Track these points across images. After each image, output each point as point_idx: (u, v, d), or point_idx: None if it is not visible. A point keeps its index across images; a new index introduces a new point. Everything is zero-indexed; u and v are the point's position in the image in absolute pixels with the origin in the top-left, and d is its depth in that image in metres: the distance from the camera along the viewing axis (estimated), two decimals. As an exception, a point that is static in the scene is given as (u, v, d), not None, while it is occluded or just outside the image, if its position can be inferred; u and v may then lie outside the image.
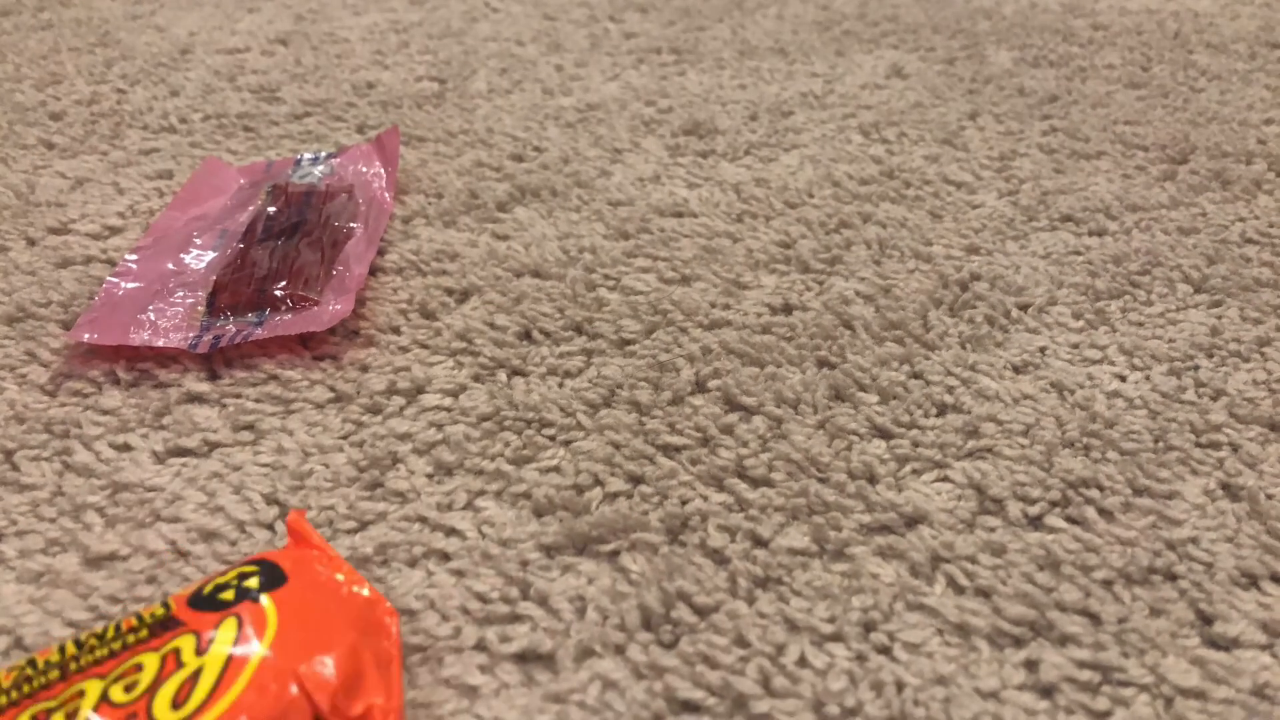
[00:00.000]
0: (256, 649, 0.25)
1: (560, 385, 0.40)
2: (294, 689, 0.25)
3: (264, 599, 0.27)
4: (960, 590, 0.31)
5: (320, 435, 0.38)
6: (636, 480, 0.35)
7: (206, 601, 0.27)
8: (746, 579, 0.31)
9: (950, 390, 0.40)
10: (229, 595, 0.27)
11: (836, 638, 0.30)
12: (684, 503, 0.34)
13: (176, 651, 0.25)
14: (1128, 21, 0.76)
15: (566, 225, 0.51)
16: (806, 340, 0.42)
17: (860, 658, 0.29)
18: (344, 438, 0.37)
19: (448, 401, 0.39)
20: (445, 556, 0.33)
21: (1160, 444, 0.37)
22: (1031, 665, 0.29)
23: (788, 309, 0.45)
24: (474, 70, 0.69)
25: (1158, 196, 0.53)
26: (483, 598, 0.31)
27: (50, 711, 0.24)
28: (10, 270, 0.47)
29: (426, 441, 0.37)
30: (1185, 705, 0.28)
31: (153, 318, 0.43)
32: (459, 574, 0.32)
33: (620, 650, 0.29)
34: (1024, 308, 0.44)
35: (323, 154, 0.56)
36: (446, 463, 0.36)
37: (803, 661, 0.29)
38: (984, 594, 0.31)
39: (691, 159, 0.58)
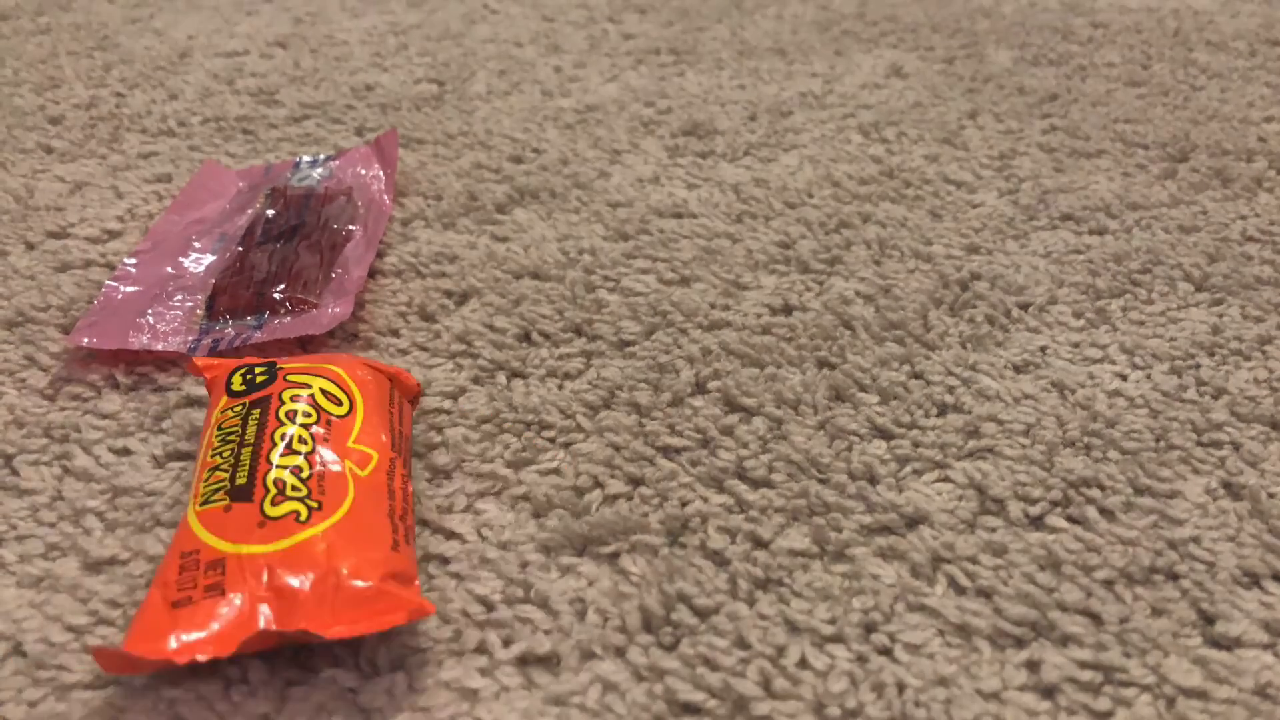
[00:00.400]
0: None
1: (560, 387, 0.40)
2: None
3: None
4: (961, 591, 0.31)
5: (320, 438, 0.37)
6: (636, 482, 0.35)
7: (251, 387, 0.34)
8: (747, 580, 0.31)
9: (951, 390, 0.39)
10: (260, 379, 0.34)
11: (837, 639, 0.30)
12: (684, 504, 0.34)
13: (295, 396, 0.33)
14: (1127, 20, 0.76)
15: (565, 227, 0.51)
16: (806, 341, 0.42)
17: (861, 659, 0.29)
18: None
19: (447, 404, 0.39)
20: (444, 560, 0.33)
21: (1161, 443, 0.37)
22: (1033, 666, 0.29)
23: (787, 310, 0.45)
24: (473, 72, 0.69)
25: (1158, 195, 0.53)
26: (483, 600, 0.31)
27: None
28: (9, 275, 0.47)
29: (425, 444, 0.37)
30: (1187, 705, 0.28)
31: (152, 321, 0.43)
32: (458, 577, 0.32)
33: (621, 652, 0.29)
34: (1024, 307, 0.44)
35: (322, 157, 0.56)
36: (445, 465, 0.36)
37: (803, 663, 0.29)
38: (985, 594, 0.31)
39: (691, 160, 0.58)
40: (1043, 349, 0.42)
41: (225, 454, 0.31)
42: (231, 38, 0.75)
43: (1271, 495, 0.34)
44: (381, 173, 0.54)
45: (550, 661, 0.29)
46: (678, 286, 0.46)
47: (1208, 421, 0.37)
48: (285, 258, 0.45)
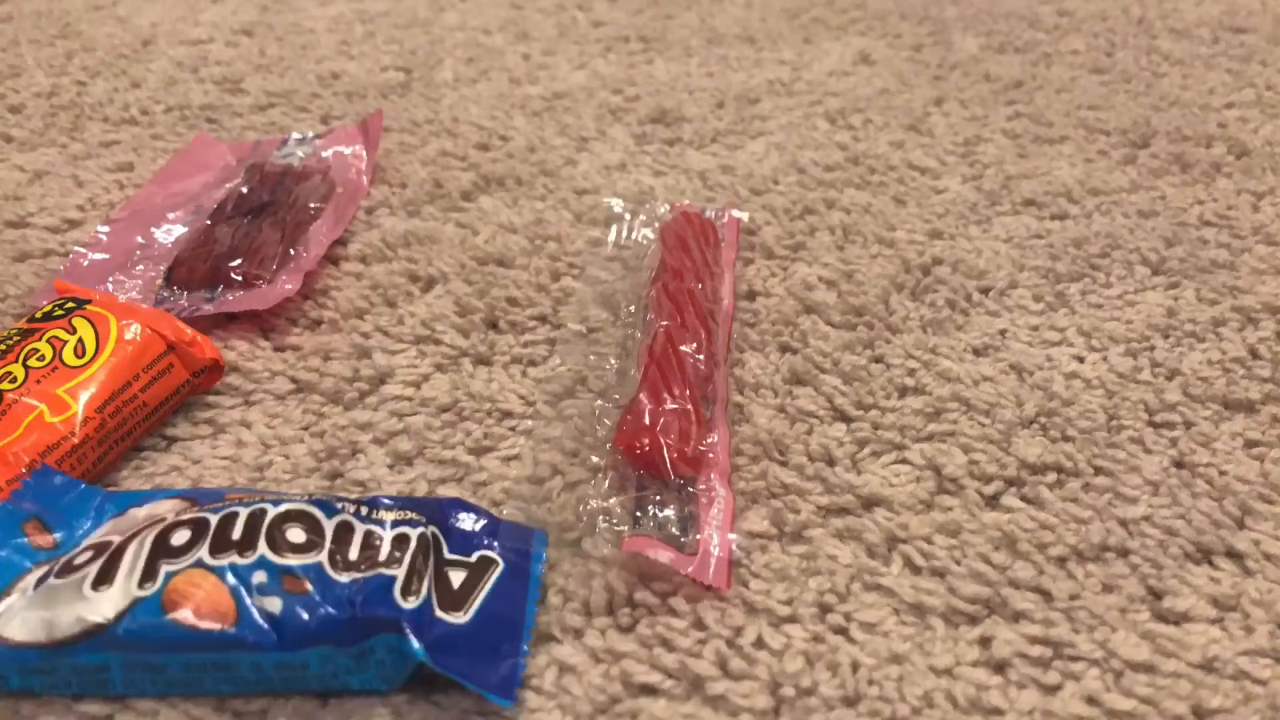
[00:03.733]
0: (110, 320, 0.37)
1: (523, 374, 0.40)
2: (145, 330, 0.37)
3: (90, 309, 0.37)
4: (917, 570, 0.32)
5: (280, 427, 0.37)
6: (598, 469, 0.35)
7: (45, 318, 0.37)
8: (705, 562, 0.32)
9: (911, 373, 0.40)
10: (58, 312, 0.37)
11: (793, 619, 0.30)
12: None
13: (56, 336, 0.36)
14: (1092, 7, 0.77)
15: (532, 214, 0.51)
16: (768, 326, 0.43)
17: (817, 638, 0.29)
18: (305, 429, 0.37)
19: (409, 391, 0.39)
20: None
21: (1115, 423, 0.37)
22: (985, 642, 0.29)
23: (751, 295, 0.45)
24: (440, 60, 0.69)
25: (1119, 180, 0.53)
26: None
27: None
28: (-33, 264, 0.47)
29: (387, 431, 0.37)
30: (1134, 679, 0.28)
31: (110, 289, 0.43)
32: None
33: (578, 634, 0.29)
34: (985, 291, 0.45)
35: (310, 135, 0.56)
36: (406, 453, 0.36)
37: (759, 643, 0.29)
38: (939, 574, 0.31)
39: (658, 147, 0.58)
40: (1002, 332, 0.42)
41: None
42: (196, 25, 0.74)
43: (1222, 473, 0.35)
44: (365, 154, 0.54)
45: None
46: (644, 273, 0.46)
47: (1161, 402, 0.38)
48: (249, 233, 0.45)
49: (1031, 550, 0.32)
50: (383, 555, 0.28)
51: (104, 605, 0.27)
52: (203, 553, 0.27)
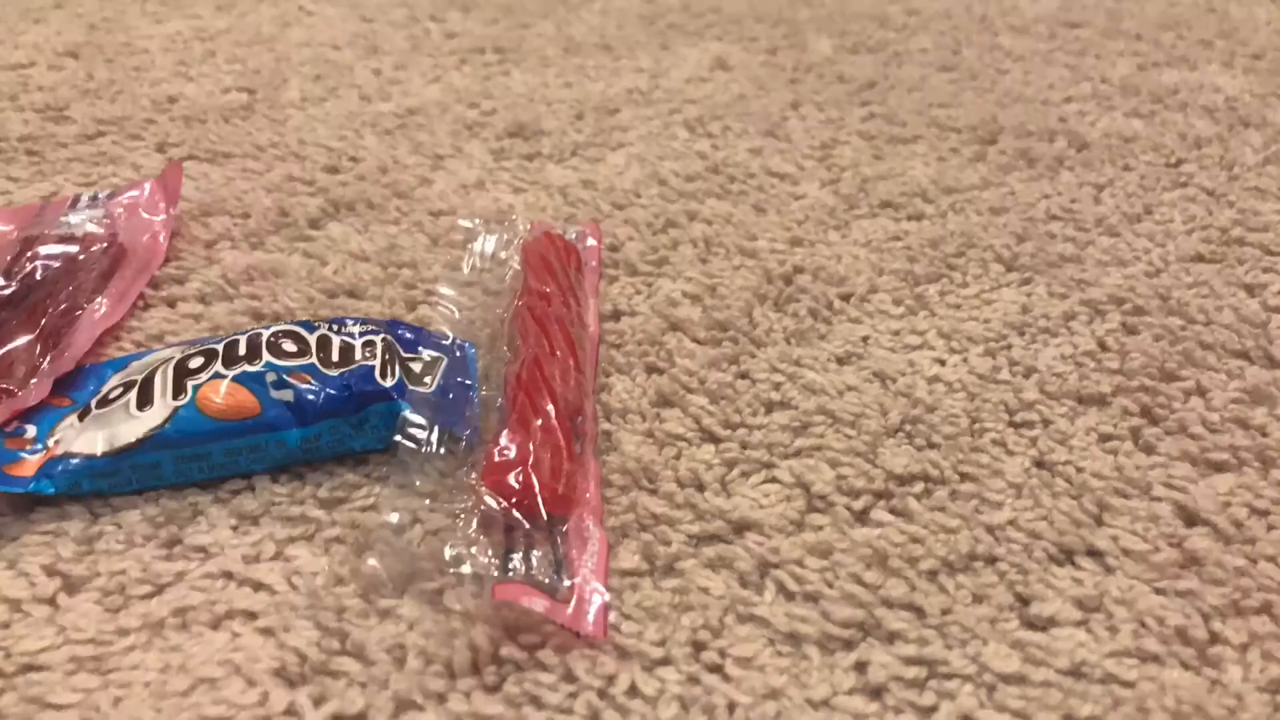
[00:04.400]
0: None
1: (378, 414, 0.38)
2: None
3: None
4: (790, 596, 0.31)
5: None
6: (462, 513, 0.34)
7: None
8: (575, 606, 0.30)
9: (777, 387, 0.39)
10: None
11: (666, 661, 0.29)
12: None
13: None
14: (938, 6, 0.78)
15: (384, 239, 0.49)
16: (634, 347, 0.42)
17: (691, 679, 0.28)
18: (137, 493, 0.34)
19: (255, 442, 0.37)
20: (251, 615, 0.30)
21: (977, 426, 0.37)
22: (861, 667, 0.29)
23: (616, 315, 0.44)
24: (286, 79, 0.66)
25: (970, 178, 0.54)
26: (298, 653, 0.29)
27: None
28: None
29: (229, 490, 0.34)
30: (1006, 692, 0.28)
31: None
32: (268, 632, 0.30)
33: (441, 699, 0.28)
34: (846, 297, 0.45)
35: (102, 195, 0.50)
36: (251, 512, 0.34)
37: (633, 691, 0.28)
38: (812, 599, 0.31)
39: (517, 162, 0.56)
40: (865, 339, 0.42)
41: None
42: (16, 49, 0.69)
43: (1079, 470, 0.36)
44: (164, 213, 0.48)
45: (362, 719, 0.27)
46: (505, 297, 0.45)
47: (1019, 401, 0.39)
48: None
49: (903, 566, 0.32)
50: (358, 355, 0.36)
51: (152, 417, 0.34)
52: (219, 367, 0.35)
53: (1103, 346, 0.42)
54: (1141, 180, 0.54)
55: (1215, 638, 0.30)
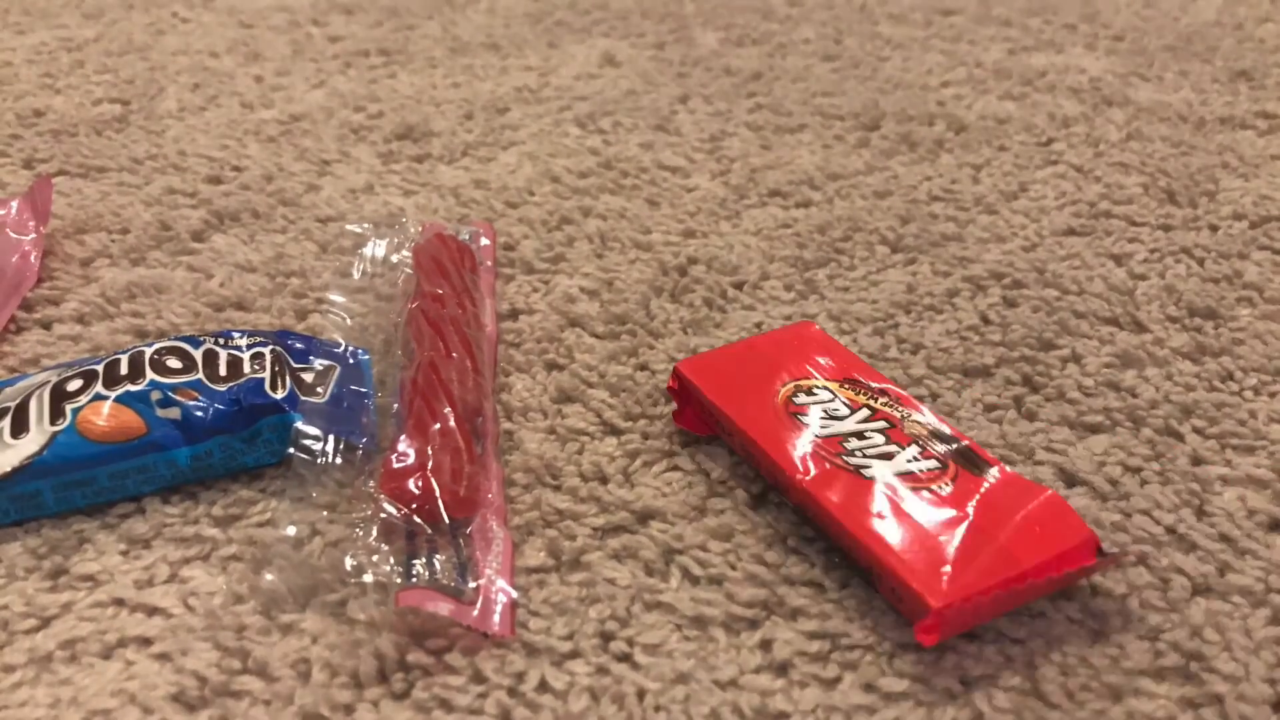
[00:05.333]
0: None
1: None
2: None
3: None
4: (695, 581, 0.31)
5: (-11, 524, 0.33)
6: (361, 522, 0.33)
7: None
8: (482, 607, 0.30)
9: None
10: None
11: (575, 654, 0.29)
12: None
13: None
14: (820, -4, 0.80)
15: (271, 249, 0.48)
16: (533, 345, 0.42)
17: (601, 670, 0.29)
18: (17, 524, 0.33)
19: (143, 463, 0.35)
20: (146, 641, 0.29)
21: (870, 404, 0.39)
22: (766, 645, 0.29)
23: (514, 314, 0.44)
24: (162, 88, 0.64)
25: (855, 163, 0.56)
26: (197, 675, 0.28)
27: None
28: None
29: (118, 514, 0.33)
30: (904, 659, 0.29)
31: None
32: (164, 658, 0.29)
33: (349, 711, 0.27)
34: (739, 286, 0.45)
35: None
36: (141, 535, 0.32)
37: (543, 686, 0.28)
38: (716, 581, 0.31)
39: (406, 165, 0.56)
40: (758, 325, 0.43)
41: None
42: None
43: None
44: (33, 231, 0.46)
45: (271, 735, 0.27)
46: (399, 301, 0.44)
47: (908, 377, 0.40)
48: None
49: (801, 544, 0.33)
50: (247, 368, 0.35)
51: (28, 445, 0.32)
52: (100, 388, 0.34)
53: (985, 320, 0.43)
54: (1016, 159, 0.56)
55: (1096, 590, 0.31)
